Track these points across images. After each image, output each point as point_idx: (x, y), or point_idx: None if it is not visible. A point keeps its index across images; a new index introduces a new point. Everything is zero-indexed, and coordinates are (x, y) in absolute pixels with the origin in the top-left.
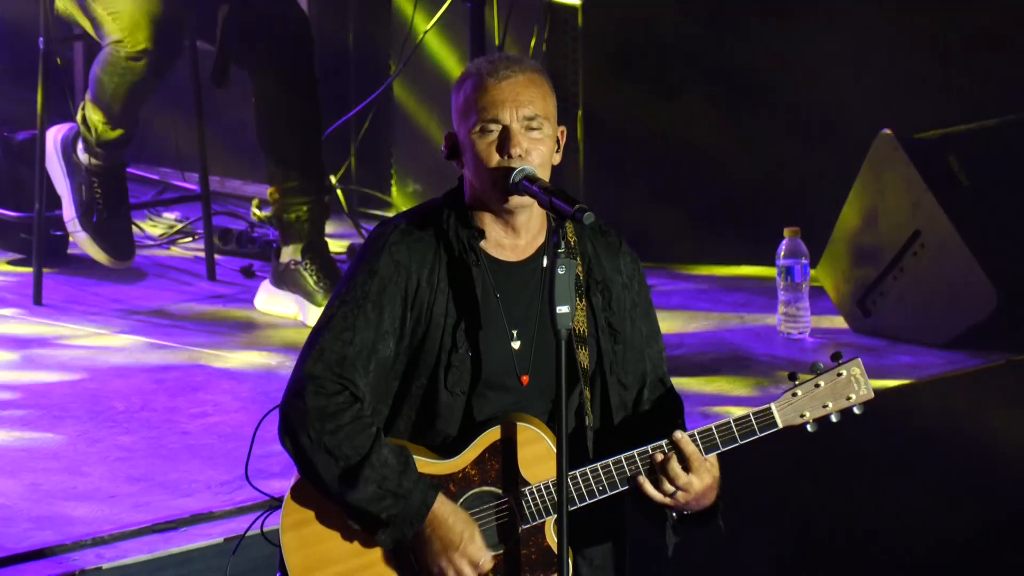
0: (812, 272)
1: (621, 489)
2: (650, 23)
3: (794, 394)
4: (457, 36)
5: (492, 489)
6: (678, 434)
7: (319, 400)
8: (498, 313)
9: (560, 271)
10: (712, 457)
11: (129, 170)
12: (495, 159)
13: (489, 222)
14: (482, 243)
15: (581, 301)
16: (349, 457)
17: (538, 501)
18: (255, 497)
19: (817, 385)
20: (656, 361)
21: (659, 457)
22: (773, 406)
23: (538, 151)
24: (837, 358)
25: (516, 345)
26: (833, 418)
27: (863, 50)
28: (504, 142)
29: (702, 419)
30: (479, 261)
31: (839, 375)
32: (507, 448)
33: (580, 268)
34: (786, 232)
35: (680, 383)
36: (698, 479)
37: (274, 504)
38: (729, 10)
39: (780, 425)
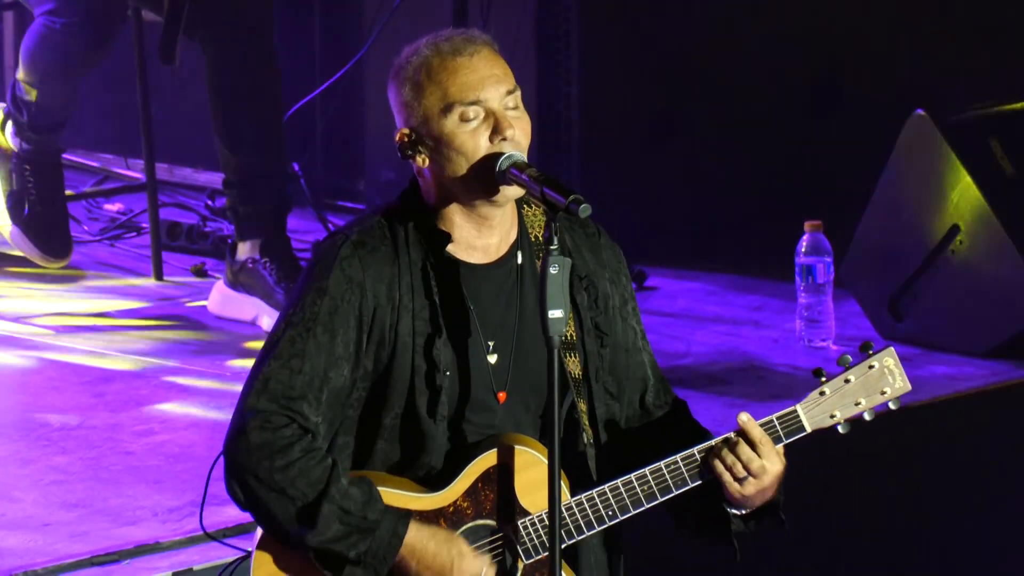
0: (836, 271)
1: (661, 500)
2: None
3: (821, 392)
4: (435, 4)
5: (489, 522)
6: (743, 416)
7: (264, 435)
8: (472, 325)
9: (553, 270)
10: (779, 446)
11: (65, 156)
12: (484, 146)
13: (459, 222)
14: (449, 247)
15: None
16: (305, 494)
17: (541, 532)
18: (208, 525)
19: (847, 380)
20: (653, 363)
21: (724, 445)
22: (799, 407)
23: (524, 129)
24: (867, 348)
25: (492, 359)
26: (867, 416)
27: (895, 17)
28: (495, 125)
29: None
30: (448, 268)
31: (871, 368)
32: (503, 475)
33: None
34: (807, 226)
35: (686, 397)
36: (771, 464)
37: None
38: None
39: (808, 429)
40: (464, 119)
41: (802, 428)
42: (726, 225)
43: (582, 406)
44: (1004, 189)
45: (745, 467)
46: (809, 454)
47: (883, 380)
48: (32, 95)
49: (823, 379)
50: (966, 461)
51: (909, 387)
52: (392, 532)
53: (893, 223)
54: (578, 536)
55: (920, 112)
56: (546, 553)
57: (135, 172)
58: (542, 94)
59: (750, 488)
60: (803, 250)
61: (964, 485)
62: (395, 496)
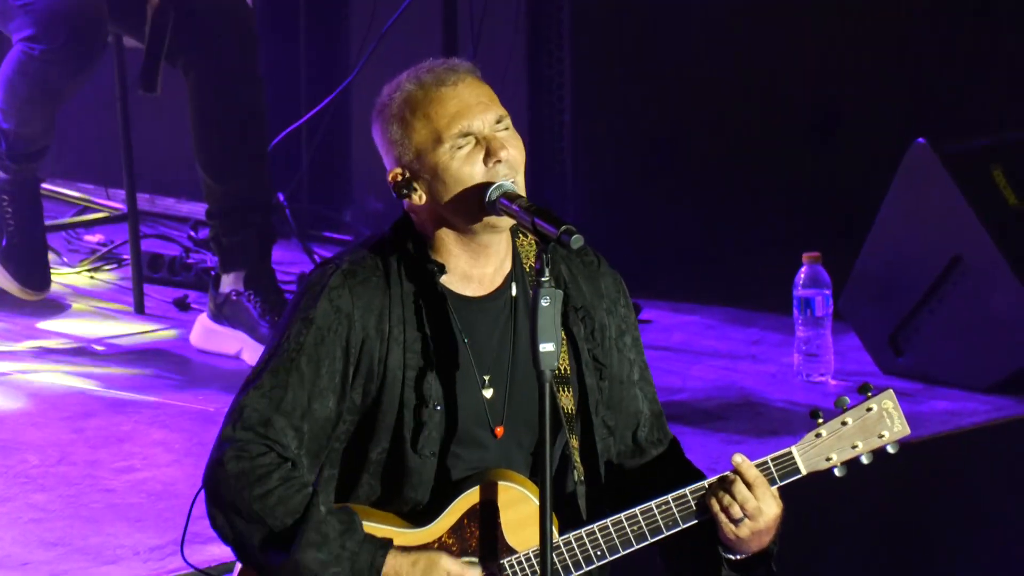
0: (835, 304)
1: (651, 541)
2: (648, 24)
3: (818, 435)
4: (424, 32)
5: (474, 560)
6: (738, 457)
7: (241, 464)
8: (466, 359)
9: (544, 303)
10: (774, 488)
11: (44, 186)
12: (480, 171)
13: (456, 251)
14: (443, 279)
15: (561, 334)
16: (283, 523)
17: (527, 570)
18: (193, 564)
19: (844, 423)
20: (652, 396)
21: (719, 485)
22: (794, 449)
23: (518, 147)
24: (865, 390)
25: (488, 393)
26: (864, 460)
27: (894, 46)
28: (488, 149)
29: (708, 475)
30: (441, 300)
31: (869, 410)
32: (489, 512)
33: None
34: (805, 258)
35: (681, 432)
36: (767, 506)
37: None
38: (740, 8)
39: (803, 471)
40: (456, 148)
41: (797, 470)
42: (723, 257)
43: (574, 442)
44: (1007, 220)
45: (741, 507)
46: (807, 490)
47: (881, 423)
48: (10, 123)
49: (820, 420)
50: (968, 497)
51: (908, 431)
52: (370, 563)
53: (893, 255)
54: None
55: (921, 141)
56: None
57: (116, 202)
58: (534, 121)
59: (745, 530)
60: (801, 282)
61: (966, 521)
62: (379, 530)
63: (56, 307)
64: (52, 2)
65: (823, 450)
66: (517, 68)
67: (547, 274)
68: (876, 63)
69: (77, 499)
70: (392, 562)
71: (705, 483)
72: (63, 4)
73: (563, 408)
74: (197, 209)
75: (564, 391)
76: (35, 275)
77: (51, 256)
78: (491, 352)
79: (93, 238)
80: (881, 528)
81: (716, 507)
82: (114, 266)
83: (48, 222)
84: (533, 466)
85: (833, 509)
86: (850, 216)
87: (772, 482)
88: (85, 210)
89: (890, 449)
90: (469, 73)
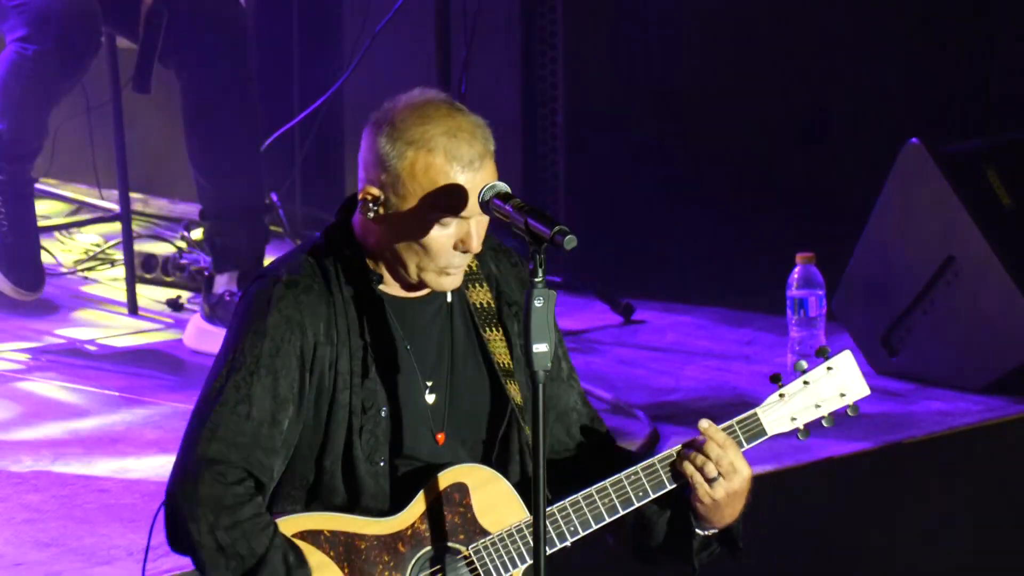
0: (828, 305)
1: (622, 513)
2: (641, 25)
3: (781, 395)
4: (418, 31)
5: (449, 544)
6: (704, 423)
7: (216, 489)
8: (409, 364)
9: (537, 303)
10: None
11: (37, 187)
12: (448, 251)
13: (391, 271)
14: (381, 286)
15: (498, 331)
16: (244, 558)
17: (501, 552)
18: (183, 565)
19: (806, 383)
20: (582, 394)
21: (690, 447)
22: (758, 411)
23: (481, 237)
24: (823, 353)
25: (431, 399)
26: (824, 423)
27: (888, 46)
28: (463, 239)
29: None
30: (381, 306)
31: (829, 369)
32: (460, 496)
33: (489, 295)
34: (798, 258)
35: (674, 433)
36: (741, 464)
37: None
38: (734, 10)
39: (769, 433)
40: (441, 224)
41: (763, 432)
42: (716, 258)
43: (528, 431)
44: (1001, 221)
45: (716, 465)
46: (799, 489)
47: (841, 383)
48: (3, 123)
49: (780, 383)
50: (961, 498)
51: (867, 391)
52: None
53: (887, 255)
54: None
55: (915, 142)
56: (509, 572)
57: (109, 203)
58: (527, 123)
59: (720, 491)
60: (795, 283)
61: (959, 522)
62: (351, 521)
63: (49, 307)
64: (45, 2)
65: (787, 411)
66: (510, 69)
67: (540, 275)
68: (870, 63)
69: (71, 500)
70: None
71: (672, 451)
72: (56, 4)
73: (512, 400)
74: (190, 209)
75: (511, 383)
76: (28, 276)
77: (44, 256)
78: (430, 357)
79: (86, 238)
80: (878, 527)
81: (690, 468)
82: (107, 266)
83: (41, 222)
84: (483, 457)
85: (827, 507)
86: (844, 216)
87: (739, 445)
88: (78, 210)
89: (850, 412)
90: (489, 157)
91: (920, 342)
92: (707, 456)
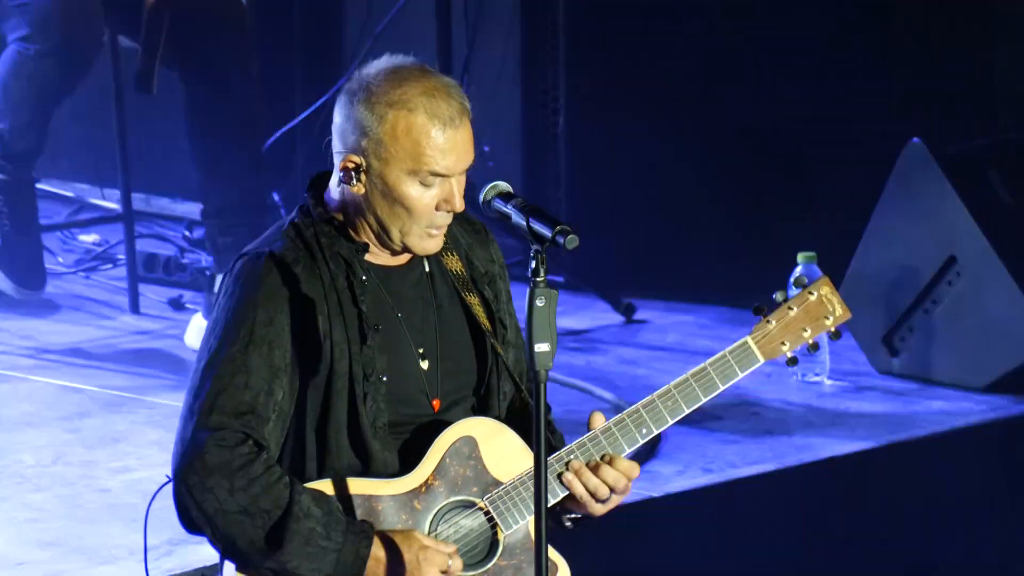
0: None
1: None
2: (642, 27)
3: (768, 322)
4: (420, 29)
5: (464, 498)
6: (597, 416)
7: (222, 455)
8: (402, 332)
9: (539, 303)
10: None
11: (39, 186)
12: (431, 211)
13: (373, 239)
14: (366, 255)
15: (475, 297)
16: (269, 513)
17: (516, 500)
18: (186, 564)
19: (790, 308)
20: (522, 343)
21: (585, 472)
22: (749, 339)
23: (461, 195)
24: (801, 283)
25: (424, 365)
26: (810, 350)
27: (888, 46)
28: (447, 197)
29: (702, 474)
30: (368, 275)
31: (811, 294)
32: (470, 449)
33: (461, 263)
34: (800, 257)
35: (676, 432)
36: (634, 473)
37: None
38: (734, 10)
39: (761, 359)
40: (424, 184)
41: (755, 359)
42: (718, 257)
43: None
44: (1002, 220)
45: (612, 488)
46: (803, 486)
47: (824, 308)
48: (4, 123)
49: (765, 312)
50: (963, 497)
51: (850, 314)
52: (355, 554)
53: (888, 254)
54: (552, 499)
55: (916, 141)
56: (526, 520)
57: (111, 202)
58: (528, 123)
59: (612, 504)
60: (796, 282)
61: (961, 520)
62: (365, 484)
63: (51, 307)
64: (47, 2)
65: (776, 336)
66: (511, 70)
67: (542, 275)
68: (872, 62)
69: (73, 499)
70: (376, 552)
71: (572, 452)
72: (58, 4)
73: (503, 359)
74: (192, 209)
75: (495, 342)
76: (30, 275)
77: (46, 256)
78: (418, 323)
79: (88, 238)
80: (877, 526)
81: (581, 490)
82: (109, 266)
83: (43, 222)
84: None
85: (828, 505)
86: (845, 215)
87: (732, 373)
88: (80, 210)
89: (831, 338)
90: (467, 115)
91: (922, 342)
92: (603, 479)
